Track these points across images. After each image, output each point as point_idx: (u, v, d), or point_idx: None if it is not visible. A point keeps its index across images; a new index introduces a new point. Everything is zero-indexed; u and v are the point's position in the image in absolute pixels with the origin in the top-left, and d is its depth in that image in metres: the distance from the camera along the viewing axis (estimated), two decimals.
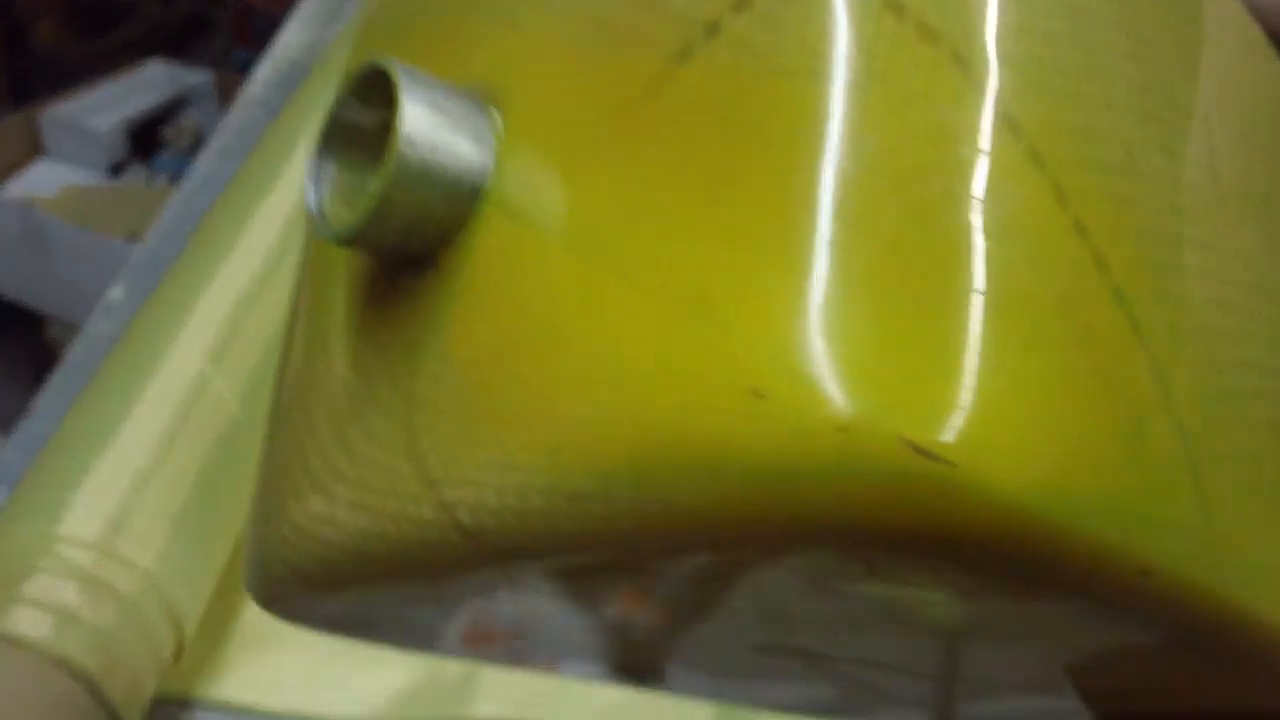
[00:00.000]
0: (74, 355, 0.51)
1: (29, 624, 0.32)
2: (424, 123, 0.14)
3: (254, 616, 0.41)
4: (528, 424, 0.13)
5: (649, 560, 0.13)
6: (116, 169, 1.23)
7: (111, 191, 1.18)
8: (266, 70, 0.71)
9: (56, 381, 0.49)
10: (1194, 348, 0.13)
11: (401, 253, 0.15)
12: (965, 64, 0.13)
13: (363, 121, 0.15)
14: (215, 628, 0.39)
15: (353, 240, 0.14)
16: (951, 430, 0.11)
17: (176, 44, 1.44)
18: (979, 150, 0.12)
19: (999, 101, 0.13)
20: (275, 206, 0.47)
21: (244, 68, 0.79)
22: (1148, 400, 0.12)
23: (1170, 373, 0.12)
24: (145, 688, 0.34)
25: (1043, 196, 0.12)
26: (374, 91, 0.14)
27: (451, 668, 0.37)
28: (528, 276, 0.14)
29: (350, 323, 0.17)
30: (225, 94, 1.25)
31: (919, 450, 0.10)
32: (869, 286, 0.11)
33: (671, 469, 0.11)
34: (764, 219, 0.12)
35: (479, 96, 0.15)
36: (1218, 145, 0.15)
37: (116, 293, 0.54)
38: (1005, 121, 0.13)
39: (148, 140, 1.26)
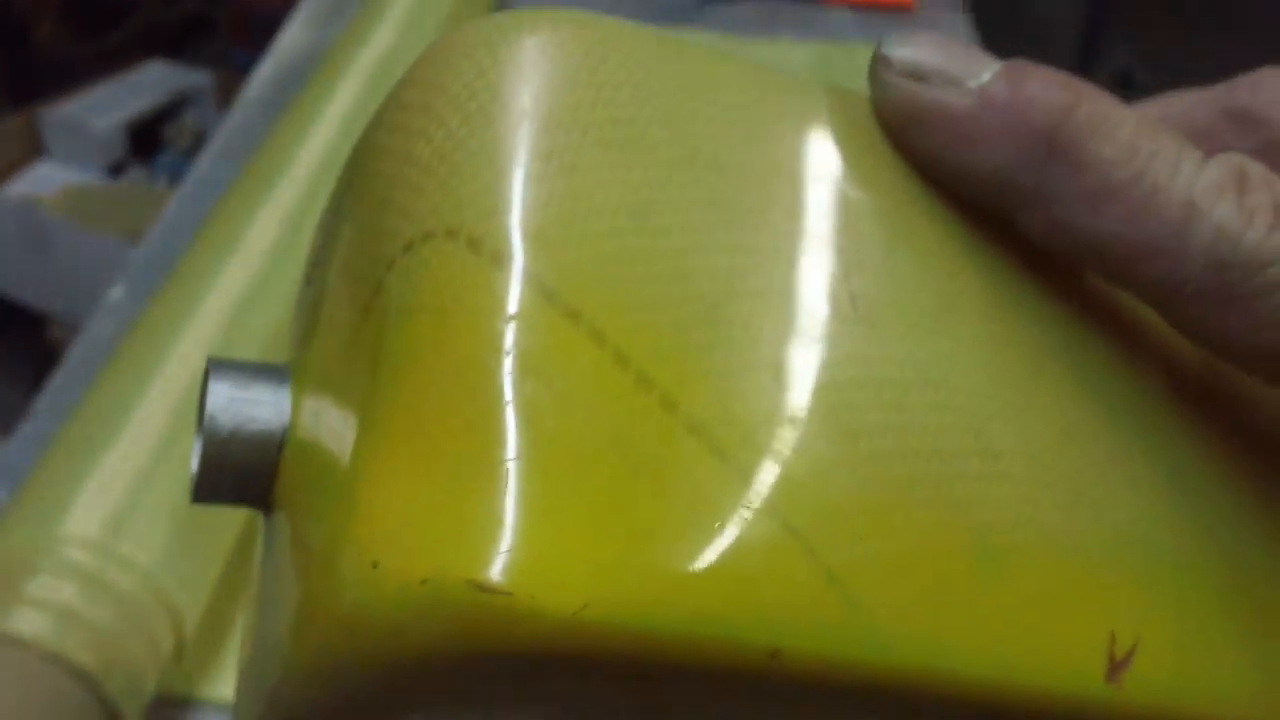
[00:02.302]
0: (74, 355, 0.51)
1: (29, 623, 0.32)
2: (227, 401, 0.17)
3: None
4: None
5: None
6: (116, 169, 1.23)
7: (111, 191, 1.19)
8: (266, 70, 0.71)
9: (56, 381, 0.49)
10: (788, 438, 0.15)
11: (244, 503, 0.18)
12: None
13: None
14: (215, 628, 0.39)
15: (200, 499, 0.18)
16: (505, 567, 0.13)
17: (176, 44, 1.44)
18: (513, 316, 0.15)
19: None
20: (275, 208, 0.47)
21: (244, 68, 0.79)
22: (724, 501, 0.14)
23: (753, 467, 0.15)
24: (145, 686, 0.34)
25: (579, 339, 0.15)
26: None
27: None
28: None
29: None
30: (225, 94, 1.25)
31: (482, 588, 0.13)
32: (450, 476, 0.14)
33: (340, 643, 0.14)
34: (389, 429, 0.15)
35: (284, 368, 0.18)
36: (853, 271, 0.16)
37: (116, 293, 0.54)
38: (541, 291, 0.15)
39: (148, 140, 1.26)
